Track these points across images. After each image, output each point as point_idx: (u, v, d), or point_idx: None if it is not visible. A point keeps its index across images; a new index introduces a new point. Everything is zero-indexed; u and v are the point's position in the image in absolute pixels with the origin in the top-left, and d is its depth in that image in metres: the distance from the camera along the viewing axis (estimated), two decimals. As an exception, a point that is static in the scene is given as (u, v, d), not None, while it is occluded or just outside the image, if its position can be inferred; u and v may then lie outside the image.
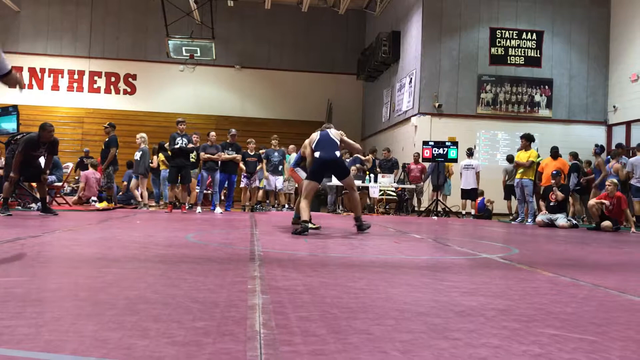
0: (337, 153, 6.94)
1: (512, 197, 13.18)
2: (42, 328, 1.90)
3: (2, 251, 3.99)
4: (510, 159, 13.68)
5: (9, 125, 11.71)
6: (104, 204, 11.17)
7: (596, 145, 12.76)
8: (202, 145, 11.75)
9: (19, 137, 9.06)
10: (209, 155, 11.57)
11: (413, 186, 14.20)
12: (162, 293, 2.63)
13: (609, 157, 12.73)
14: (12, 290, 2.56)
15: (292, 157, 14.05)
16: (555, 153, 12.00)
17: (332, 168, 7.06)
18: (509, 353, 1.80)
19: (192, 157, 11.53)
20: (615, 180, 10.32)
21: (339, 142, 7.02)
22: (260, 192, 13.72)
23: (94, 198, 12.25)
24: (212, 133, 12.04)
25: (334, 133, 7.12)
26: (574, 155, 12.86)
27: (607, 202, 9.98)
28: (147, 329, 1.92)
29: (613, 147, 15.66)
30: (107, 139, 11.60)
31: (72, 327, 1.92)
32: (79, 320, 2.05)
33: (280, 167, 13.39)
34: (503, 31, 16.19)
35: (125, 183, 13.75)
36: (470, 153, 13.85)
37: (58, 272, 3.33)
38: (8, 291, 2.53)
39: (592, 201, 10.45)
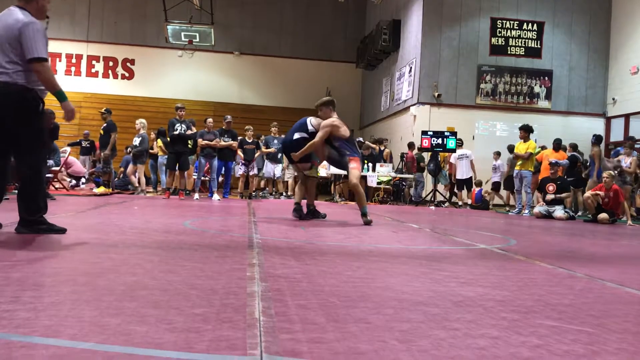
0: (296, 135, 6.82)
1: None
2: (40, 313, 1.89)
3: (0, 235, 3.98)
4: (511, 148, 13.67)
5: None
6: (101, 189, 11.14)
7: (593, 136, 12.72)
8: (200, 132, 11.69)
9: None
10: (206, 142, 11.53)
11: (412, 176, 14.20)
12: (161, 279, 2.63)
13: (619, 149, 12.57)
14: (10, 274, 2.56)
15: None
16: (557, 145, 11.98)
17: (287, 151, 7.00)
18: (507, 344, 1.81)
19: (188, 144, 11.49)
20: (612, 173, 10.29)
21: (310, 127, 6.81)
22: (260, 179, 13.71)
23: (83, 181, 12.25)
24: (210, 119, 11.97)
25: (314, 122, 6.86)
26: (574, 147, 12.83)
27: (601, 193, 9.98)
28: (146, 315, 1.92)
29: (615, 139, 15.64)
30: (105, 125, 11.53)
31: (71, 312, 1.92)
32: (77, 305, 2.05)
33: (280, 155, 13.36)
34: (504, 21, 16.11)
35: (122, 169, 13.73)
36: (461, 143, 13.82)
37: (56, 257, 3.32)
38: (6, 276, 2.52)
39: (588, 193, 10.46)
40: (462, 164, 13.62)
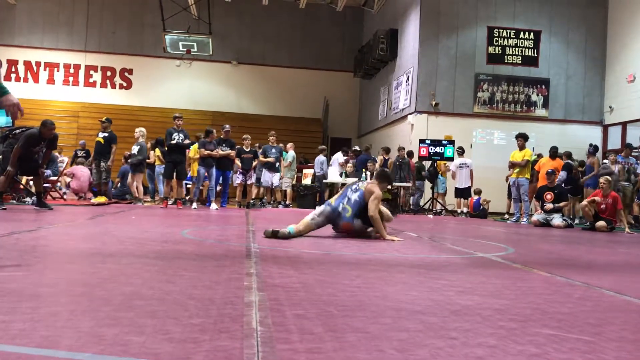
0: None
1: None
2: (37, 324, 1.89)
3: (-3, 245, 3.97)
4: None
5: (2, 119, 11.62)
6: (102, 199, 11.13)
7: (590, 145, 12.75)
8: (201, 142, 11.69)
9: (18, 131, 9.01)
10: (208, 152, 11.51)
11: (410, 184, 14.20)
12: (158, 289, 2.63)
13: (621, 155, 12.56)
14: (7, 285, 2.55)
15: (290, 154, 14.04)
16: (554, 153, 12.00)
17: None
18: (505, 353, 1.80)
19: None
20: (609, 178, 10.27)
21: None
22: (259, 188, 13.69)
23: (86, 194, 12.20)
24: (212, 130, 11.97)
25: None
26: (568, 155, 12.86)
27: (597, 198, 9.97)
28: (143, 325, 1.91)
29: (612, 147, 15.67)
30: (106, 135, 11.45)
31: (68, 323, 1.92)
32: (74, 316, 2.04)
33: (277, 164, 13.36)
34: (500, 30, 16.19)
35: (118, 178, 13.71)
36: (462, 152, 13.84)
37: (53, 267, 3.32)
38: (3, 286, 2.51)
39: (584, 202, 10.45)
40: (462, 173, 13.64)
